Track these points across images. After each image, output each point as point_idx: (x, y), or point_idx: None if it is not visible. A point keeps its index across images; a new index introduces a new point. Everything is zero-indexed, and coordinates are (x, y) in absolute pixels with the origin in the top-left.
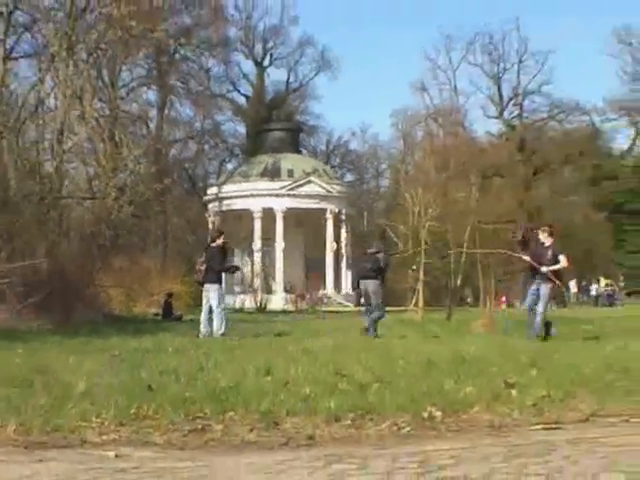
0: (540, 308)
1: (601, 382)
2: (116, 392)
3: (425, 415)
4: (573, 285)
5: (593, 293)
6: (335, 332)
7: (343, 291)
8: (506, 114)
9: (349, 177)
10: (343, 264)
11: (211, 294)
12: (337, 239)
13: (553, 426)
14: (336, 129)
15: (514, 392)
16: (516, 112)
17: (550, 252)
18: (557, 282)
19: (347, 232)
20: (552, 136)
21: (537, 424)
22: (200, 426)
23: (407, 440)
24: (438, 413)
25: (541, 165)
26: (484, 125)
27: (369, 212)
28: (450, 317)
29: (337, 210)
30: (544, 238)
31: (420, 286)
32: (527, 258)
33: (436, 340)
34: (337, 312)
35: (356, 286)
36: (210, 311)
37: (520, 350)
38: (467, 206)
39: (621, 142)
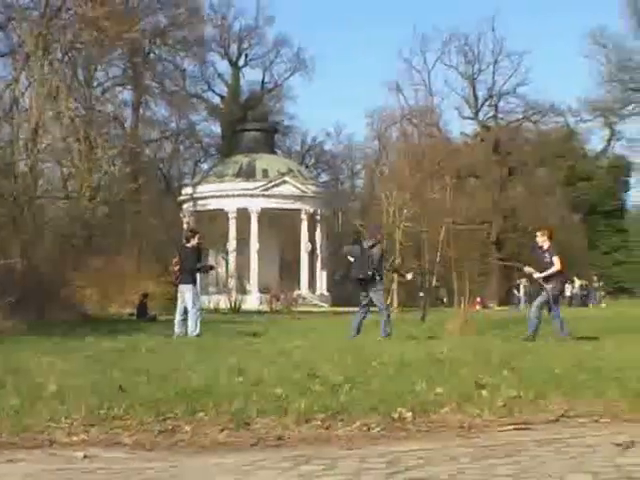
0: (553, 311)
1: (572, 382)
2: (87, 392)
3: (395, 416)
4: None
5: (567, 294)
6: (310, 333)
7: (318, 291)
8: (481, 115)
9: (324, 177)
10: (318, 264)
11: (186, 295)
12: (312, 239)
13: (523, 427)
14: (311, 129)
15: (485, 393)
16: (491, 113)
17: (548, 255)
18: (545, 287)
19: (322, 232)
20: (527, 137)
21: (507, 425)
22: (170, 427)
23: (377, 441)
24: (408, 414)
25: (516, 166)
26: (459, 126)
27: (344, 212)
28: (425, 318)
29: (312, 210)
30: (542, 241)
31: (395, 286)
32: (527, 270)
33: (410, 341)
34: (312, 312)
35: (358, 283)
36: (185, 312)
37: (493, 351)
38: (442, 207)
39: (596, 143)
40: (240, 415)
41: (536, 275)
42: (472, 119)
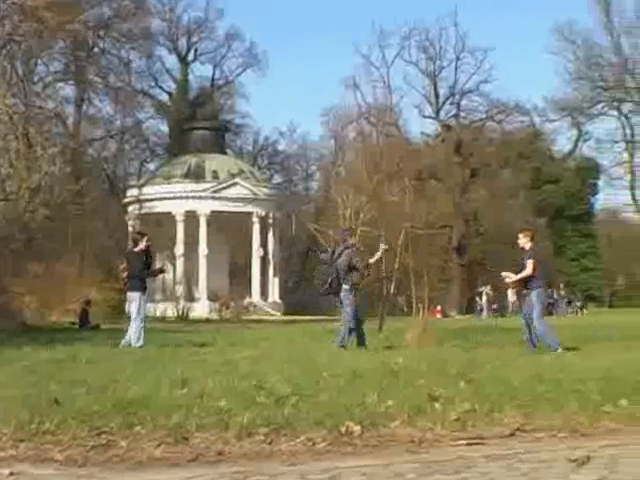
0: (535, 320)
1: (530, 394)
2: (18, 405)
3: (342, 430)
4: (512, 294)
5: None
6: (260, 342)
7: (270, 299)
8: (443, 114)
9: (277, 179)
10: (270, 270)
11: (132, 303)
12: (264, 244)
13: (476, 441)
14: (264, 128)
15: (438, 406)
16: (453, 112)
17: (525, 258)
18: (527, 293)
19: (275, 237)
20: (491, 137)
21: (459, 439)
22: (105, 441)
23: (321, 456)
24: (356, 428)
25: (479, 167)
26: (420, 125)
27: (298, 216)
28: (382, 327)
29: (264, 213)
30: (523, 243)
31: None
32: (504, 273)
33: (365, 351)
34: (263, 321)
35: (328, 291)
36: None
37: (451, 362)
38: (401, 210)
39: (563, 144)
40: (179, 429)
41: (507, 278)
42: (433, 118)
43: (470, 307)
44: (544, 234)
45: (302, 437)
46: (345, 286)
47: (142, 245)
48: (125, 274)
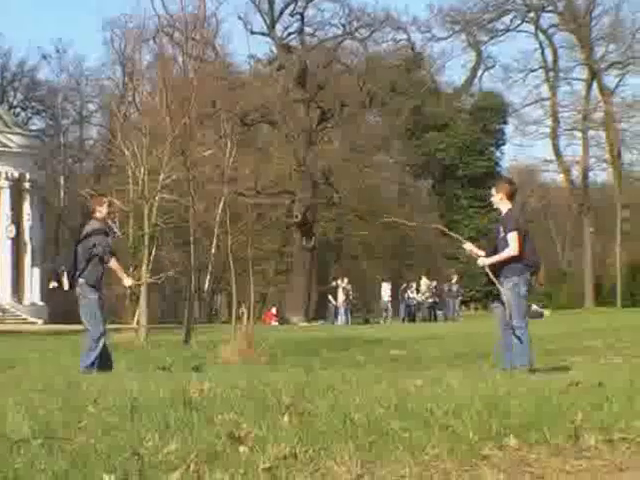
0: (514, 321)
1: (379, 432)
2: None
3: None
4: (387, 290)
5: (413, 301)
6: (10, 363)
7: (27, 300)
8: (280, 29)
9: (37, 123)
10: (27, 259)
11: None
12: (17, 220)
13: None
14: (17, 49)
15: (244, 449)
16: (295, 26)
17: (502, 229)
18: (495, 281)
19: (33, 209)
20: (349, 63)
21: None
22: None
23: None
24: None
25: (332, 107)
26: (247, 46)
27: (69, 179)
28: (189, 339)
29: (17, 174)
30: (498, 202)
31: (144, 292)
32: (468, 247)
33: (160, 374)
34: (17, 333)
35: (67, 286)
36: None
37: (280, 387)
38: (219, 169)
39: (455, 73)
40: None
41: (481, 260)
42: (266, 35)
43: (320, 309)
44: (427, 203)
45: None
46: (79, 282)
47: None
48: None
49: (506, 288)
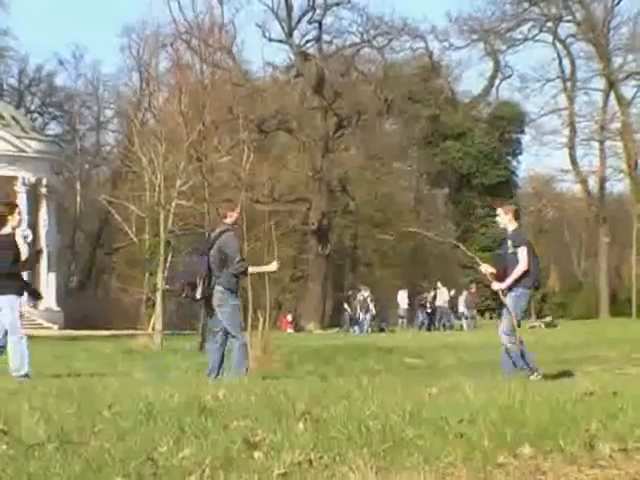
0: (505, 328)
1: (393, 440)
2: None
3: None
4: (404, 298)
5: (428, 310)
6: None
7: (43, 305)
8: (297, 36)
9: (54, 129)
10: (43, 264)
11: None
12: (34, 224)
13: None
14: (35, 54)
15: (258, 455)
16: (313, 34)
17: (511, 245)
18: (504, 301)
19: (50, 214)
20: (367, 71)
21: None
22: None
23: None
24: None
25: (349, 115)
26: (264, 53)
27: (85, 184)
28: (204, 346)
29: (34, 179)
30: (506, 222)
31: (159, 298)
32: (485, 269)
33: (175, 380)
34: (32, 338)
35: (201, 295)
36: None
37: (296, 395)
38: (235, 175)
39: (472, 82)
40: None
41: (496, 285)
42: (284, 42)
43: (335, 317)
44: (443, 211)
45: None
46: (219, 287)
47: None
48: None
49: (509, 297)
